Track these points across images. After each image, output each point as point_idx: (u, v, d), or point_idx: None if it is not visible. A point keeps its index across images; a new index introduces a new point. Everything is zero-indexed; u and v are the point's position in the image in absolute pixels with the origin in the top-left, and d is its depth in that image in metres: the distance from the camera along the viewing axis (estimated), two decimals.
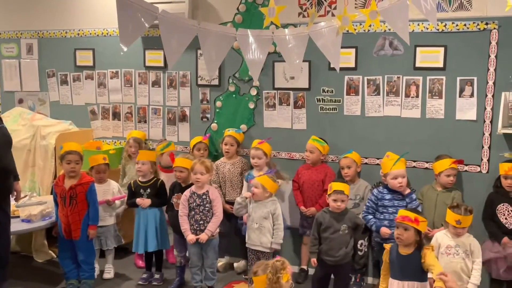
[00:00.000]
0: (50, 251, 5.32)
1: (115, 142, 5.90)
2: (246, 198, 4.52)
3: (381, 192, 4.43)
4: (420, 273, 3.61)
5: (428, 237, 4.15)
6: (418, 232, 3.60)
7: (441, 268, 3.44)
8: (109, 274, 4.99)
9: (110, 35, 5.73)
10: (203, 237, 4.39)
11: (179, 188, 4.70)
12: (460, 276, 3.83)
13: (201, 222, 4.44)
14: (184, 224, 4.46)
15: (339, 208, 4.13)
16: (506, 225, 4.21)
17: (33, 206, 4.68)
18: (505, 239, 4.17)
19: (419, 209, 4.24)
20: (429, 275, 3.70)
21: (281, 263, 3.18)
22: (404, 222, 3.58)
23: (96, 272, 4.91)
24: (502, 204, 4.24)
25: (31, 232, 5.01)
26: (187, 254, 4.78)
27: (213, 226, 4.44)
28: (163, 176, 5.06)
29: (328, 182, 4.76)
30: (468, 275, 3.87)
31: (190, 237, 4.41)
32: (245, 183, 4.98)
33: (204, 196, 4.46)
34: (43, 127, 5.50)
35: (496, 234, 4.23)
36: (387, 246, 3.75)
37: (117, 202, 4.97)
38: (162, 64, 5.51)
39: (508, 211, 4.22)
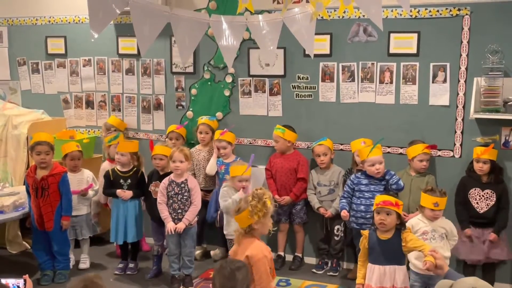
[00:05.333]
0: (24, 242, 5.25)
1: (88, 131, 5.83)
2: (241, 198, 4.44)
3: (358, 177, 4.46)
4: (400, 257, 3.64)
5: (402, 221, 4.19)
6: (399, 216, 3.63)
7: (429, 246, 3.47)
8: (84, 264, 4.95)
9: (82, 22, 5.64)
10: (181, 226, 4.37)
11: (157, 176, 4.68)
12: None
13: (179, 211, 4.42)
14: (164, 211, 4.43)
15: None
16: (477, 209, 4.29)
17: (5, 197, 4.61)
18: (468, 230, 4.29)
19: (401, 182, 4.28)
20: (414, 260, 3.77)
21: (261, 189, 3.27)
22: (386, 207, 3.58)
23: (72, 263, 4.87)
24: (474, 188, 4.31)
25: (4, 223, 4.92)
26: (164, 243, 4.77)
27: (191, 215, 4.43)
28: (109, 166, 5.00)
29: (301, 170, 4.82)
30: (445, 258, 3.90)
31: (170, 224, 4.39)
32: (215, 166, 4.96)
33: (182, 185, 4.44)
34: (14, 116, 5.39)
35: (463, 222, 4.31)
36: (365, 232, 3.77)
37: (90, 192, 4.91)
38: (135, 52, 5.43)
39: (479, 196, 4.29)
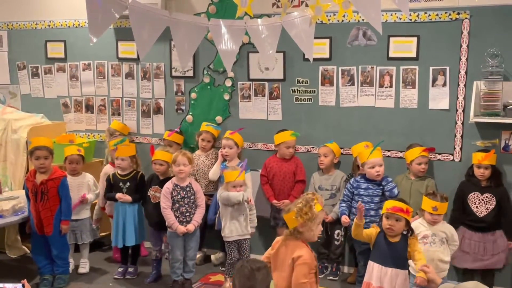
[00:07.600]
0: (23, 247, 5.24)
1: (88, 135, 5.82)
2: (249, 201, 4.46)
3: (357, 181, 4.45)
4: (403, 261, 3.63)
5: (410, 228, 4.16)
6: (407, 222, 3.62)
7: (425, 261, 3.47)
8: (84, 268, 4.94)
9: (81, 26, 5.65)
10: (191, 227, 4.41)
11: (157, 181, 4.67)
12: (437, 265, 3.84)
13: (187, 214, 4.45)
14: (170, 217, 4.42)
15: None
16: (477, 214, 4.27)
17: (4, 201, 4.59)
18: None
19: (395, 190, 4.25)
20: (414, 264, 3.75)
21: (312, 194, 3.25)
22: (396, 214, 3.56)
23: (71, 267, 4.86)
24: (473, 193, 4.30)
25: (4, 227, 4.92)
26: (162, 247, 4.76)
27: (199, 217, 4.49)
28: (111, 169, 5.00)
29: (300, 172, 4.84)
30: (445, 263, 3.90)
31: (180, 228, 4.39)
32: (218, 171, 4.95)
33: (188, 189, 4.46)
34: (14, 120, 5.39)
35: (454, 223, 4.26)
36: (376, 228, 3.74)
37: (91, 196, 4.89)
38: (135, 56, 5.43)
39: (479, 200, 4.28)
